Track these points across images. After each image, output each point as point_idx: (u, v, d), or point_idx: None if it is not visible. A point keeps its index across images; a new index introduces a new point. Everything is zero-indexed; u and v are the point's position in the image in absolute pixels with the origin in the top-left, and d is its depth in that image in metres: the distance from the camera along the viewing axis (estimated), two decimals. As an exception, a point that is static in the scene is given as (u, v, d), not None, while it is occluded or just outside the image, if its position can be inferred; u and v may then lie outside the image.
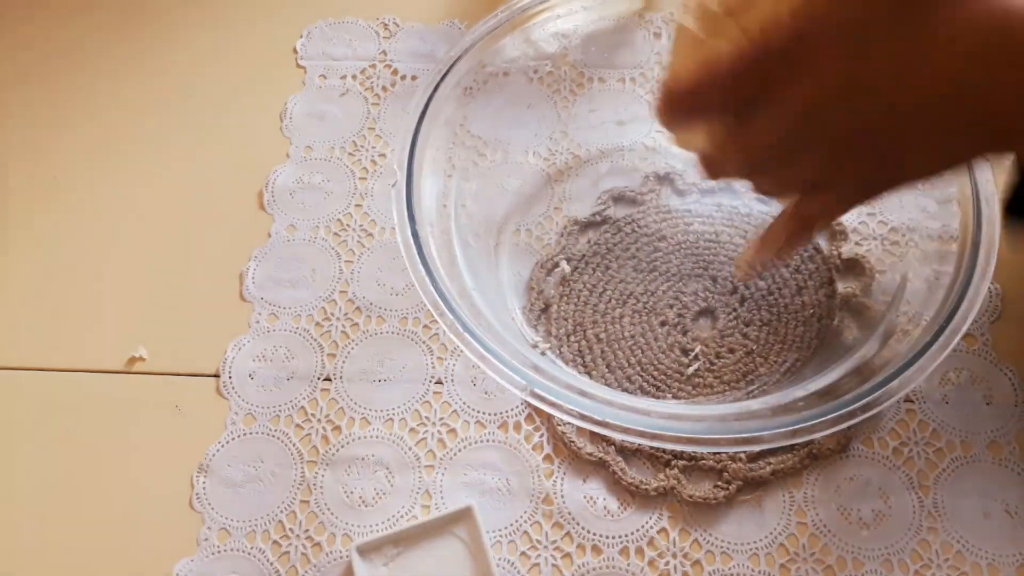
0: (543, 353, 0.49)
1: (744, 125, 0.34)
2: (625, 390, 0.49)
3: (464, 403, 0.49)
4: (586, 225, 0.55)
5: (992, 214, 0.43)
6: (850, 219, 0.53)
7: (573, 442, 0.47)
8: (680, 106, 0.34)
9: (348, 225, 0.56)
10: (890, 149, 0.32)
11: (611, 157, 0.57)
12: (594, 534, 0.45)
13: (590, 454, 0.46)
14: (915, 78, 0.30)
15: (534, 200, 0.56)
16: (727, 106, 0.33)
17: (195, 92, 0.63)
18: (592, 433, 0.46)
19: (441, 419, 0.48)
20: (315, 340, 0.51)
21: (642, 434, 0.39)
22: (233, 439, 0.48)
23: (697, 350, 0.49)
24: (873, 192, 0.35)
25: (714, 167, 0.37)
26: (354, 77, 0.62)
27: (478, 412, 0.48)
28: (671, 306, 0.51)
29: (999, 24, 0.29)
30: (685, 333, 0.50)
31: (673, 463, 0.46)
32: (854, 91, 0.31)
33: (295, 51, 0.64)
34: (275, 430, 0.48)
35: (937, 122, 0.31)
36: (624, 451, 0.46)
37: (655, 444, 0.39)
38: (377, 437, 0.48)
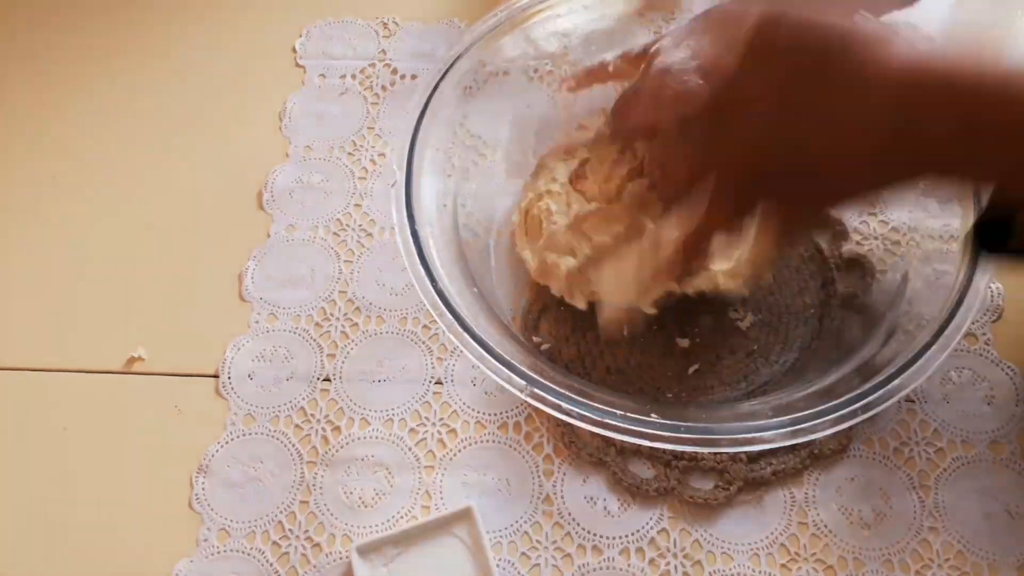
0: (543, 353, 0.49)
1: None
2: (625, 391, 0.48)
3: (464, 403, 0.49)
4: (586, 225, 0.54)
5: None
6: (851, 219, 0.53)
7: (573, 442, 0.46)
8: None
9: (347, 225, 0.55)
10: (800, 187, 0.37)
11: (611, 156, 0.57)
12: (594, 534, 0.45)
13: (590, 454, 0.46)
14: (841, 127, 0.34)
15: (534, 200, 0.56)
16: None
17: (194, 92, 0.63)
18: (592, 433, 0.46)
19: (441, 419, 0.48)
20: (314, 340, 0.51)
21: (642, 434, 0.38)
22: (232, 439, 0.48)
23: (698, 350, 0.49)
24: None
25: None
26: (353, 76, 0.62)
27: (478, 412, 0.48)
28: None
29: (919, 72, 0.32)
30: (685, 333, 0.50)
31: (673, 463, 0.46)
32: (782, 141, 0.35)
33: (294, 50, 0.64)
34: (274, 430, 0.48)
35: (871, 162, 0.34)
36: (624, 451, 0.46)
37: (655, 444, 0.39)
38: (377, 437, 0.48)
